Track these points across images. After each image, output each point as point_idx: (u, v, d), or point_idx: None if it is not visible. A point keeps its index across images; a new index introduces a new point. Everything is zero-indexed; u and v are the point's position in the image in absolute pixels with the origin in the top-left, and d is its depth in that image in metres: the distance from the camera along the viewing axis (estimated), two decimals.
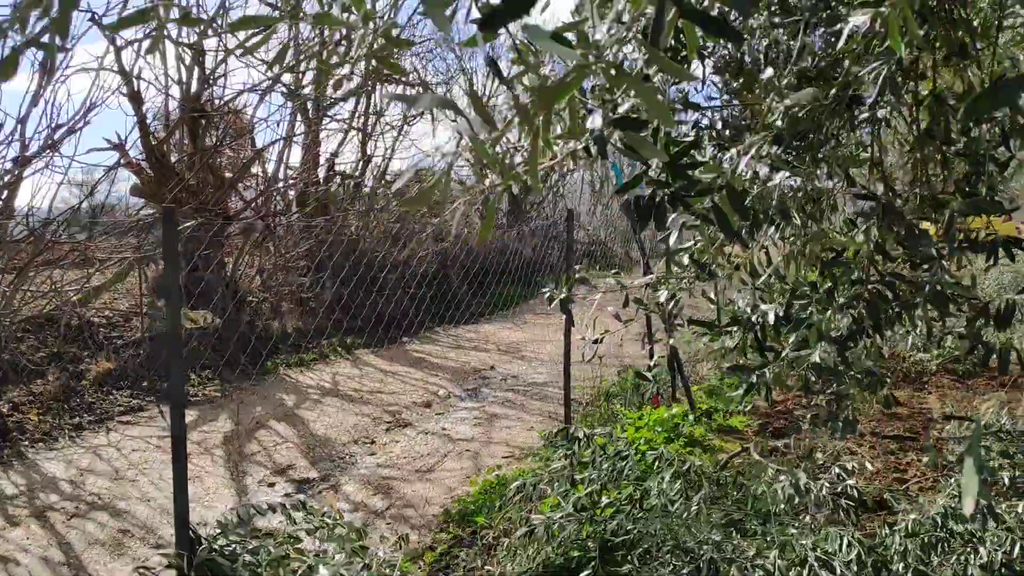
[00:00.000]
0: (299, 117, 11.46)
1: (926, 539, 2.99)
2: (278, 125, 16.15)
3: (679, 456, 4.13)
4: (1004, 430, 3.92)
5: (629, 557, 3.62)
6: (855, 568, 2.80)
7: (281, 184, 11.63)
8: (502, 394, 8.50)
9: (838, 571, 2.78)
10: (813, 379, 1.96)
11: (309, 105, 11.40)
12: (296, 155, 11.76)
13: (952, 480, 4.12)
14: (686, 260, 2.16)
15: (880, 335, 1.99)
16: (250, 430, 7.04)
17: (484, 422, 7.37)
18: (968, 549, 2.91)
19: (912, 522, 3.13)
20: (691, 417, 5.62)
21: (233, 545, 2.24)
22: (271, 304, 10.07)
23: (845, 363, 1.91)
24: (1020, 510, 3.20)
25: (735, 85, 1.95)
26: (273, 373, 9.15)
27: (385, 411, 7.80)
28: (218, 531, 2.44)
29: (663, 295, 2.11)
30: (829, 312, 1.94)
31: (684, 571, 3.52)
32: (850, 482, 3.67)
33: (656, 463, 4.08)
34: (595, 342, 2.90)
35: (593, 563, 3.57)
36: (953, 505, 3.09)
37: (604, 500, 3.78)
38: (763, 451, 4.87)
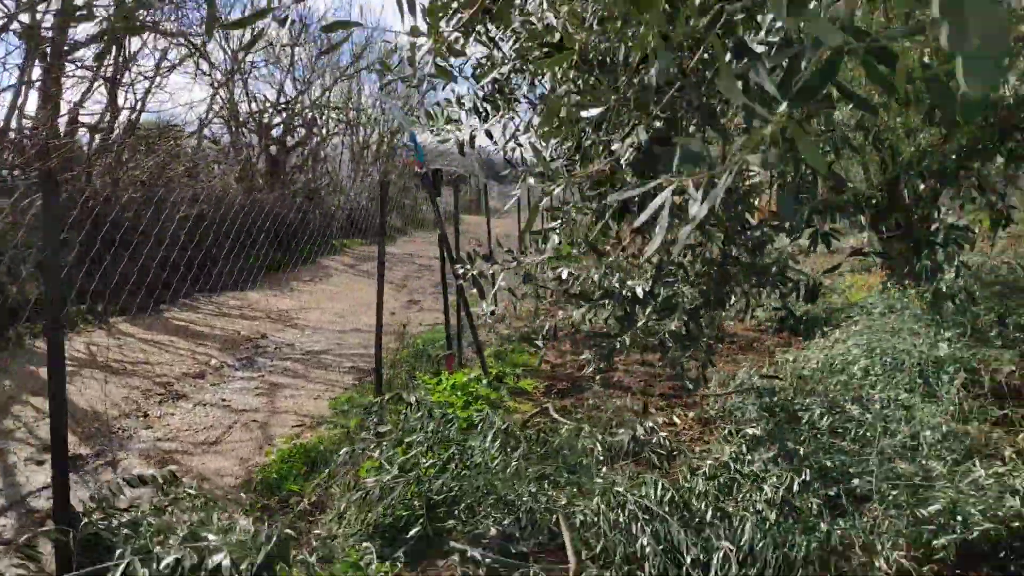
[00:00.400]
0: (37, 61, 10.28)
1: (722, 480, 3.52)
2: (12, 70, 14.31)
3: (501, 417, 4.43)
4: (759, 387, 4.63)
5: (455, 512, 3.85)
6: (666, 508, 3.25)
7: (13, 135, 10.39)
8: (280, 363, 8.34)
9: (654, 511, 3.20)
10: (670, 344, 2.29)
11: (49, 50, 10.27)
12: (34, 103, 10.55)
13: (721, 431, 4.79)
14: (555, 238, 2.39)
15: (721, 307, 2.36)
16: (2, 406, 6.37)
17: (266, 392, 7.23)
18: (754, 487, 3.48)
19: (709, 467, 3.67)
20: (484, 381, 5.95)
21: (110, 519, 2.13)
22: (7, 268, 9.03)
23: (699, 329, 2.26)
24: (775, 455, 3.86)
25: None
26: (17, 344, 8.27)
27: (155, 383, 7.37)
28: (94, 506, 2.30)
29: (536, 269, 2.33)
30: (685, 288, 2.26)
31: (505, 522, 3.82)
32: (662, 434, 4.18)
33: (481, 424, 4.34)
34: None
35: (421, 520, 3.75)
36: (737, 451, 3.66)
37: (427, 462, 3.97)
38: (557, 410, 5.32)
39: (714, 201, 1.03)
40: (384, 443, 4.12)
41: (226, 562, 1.67)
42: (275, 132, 17.36)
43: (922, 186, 6.20)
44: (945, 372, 5.97)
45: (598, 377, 6.10)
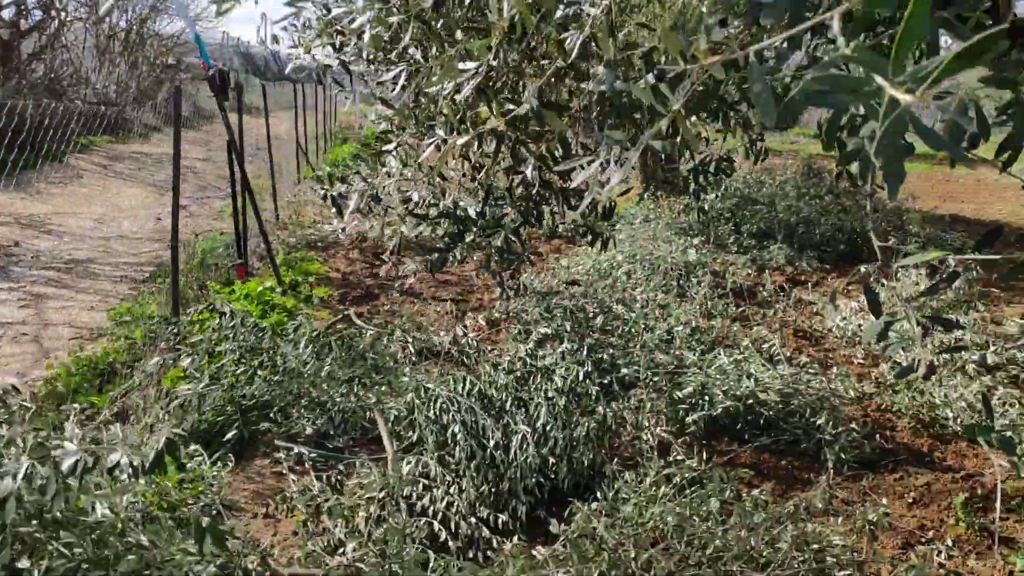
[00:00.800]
0: None
1: (519, 374, 3.98)
2: None
3: (307, 323, 4.58)
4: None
5: (269, 416, 4.02)
6: (472, 399, 3.65)
7: None
8: (40, 272, 7.77)
9: (462, 403, 3.59)
10: (496, 259, 2.62)
11: None
12: None
13: (509, 332, 5.27)
14: (392, 161, 2.61)
15: (539, 224, 2.72)
16: None
17: (31, 303, 6.77)
18: (545, 378, 3.97)
19: (507, 363, 4.11)
20: (279, 290, 6.01)
21: None
22: None
23: (520, 244, 2.61)
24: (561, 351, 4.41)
25: None
26: None
27: None
28: None
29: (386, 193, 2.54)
30: (510, 209, 2.59)
31: (319, 421, 4.07)
32: (471, 335, 4.55)
33: (293, 331, 4.47)
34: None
35: (237, 424, 3.89)
36: (531, 349, 4.13)
37: (239, 369, 4.08)
38: (357, 316, 5.55)
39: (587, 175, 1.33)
40: (195, 352, 4.15)
41: (124, 460, 1.78)
42: (6, 14, 15.31)
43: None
44: (694, 275, 6.88)
45: (397, 284, 6.38)
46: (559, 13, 2.09)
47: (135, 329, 5.69)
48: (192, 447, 3.39)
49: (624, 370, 4.69)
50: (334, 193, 2.47)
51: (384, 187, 2.43)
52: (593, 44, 2.09)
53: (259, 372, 4.13)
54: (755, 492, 3.25)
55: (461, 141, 1.93)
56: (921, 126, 0.68)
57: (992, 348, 5.57)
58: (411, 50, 2.11)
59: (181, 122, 4.94)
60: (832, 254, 8.73)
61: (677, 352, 5.07)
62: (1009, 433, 4.36)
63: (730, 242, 8.79)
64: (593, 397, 4.21)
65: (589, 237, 2.94)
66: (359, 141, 19.98)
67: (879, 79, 0.65)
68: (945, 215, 11.66)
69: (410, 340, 4.86)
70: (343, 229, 2.78)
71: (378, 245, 8.35)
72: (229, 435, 3.84)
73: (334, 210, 2.52)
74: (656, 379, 4.65)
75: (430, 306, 6.30)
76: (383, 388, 4.21)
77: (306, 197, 10.52)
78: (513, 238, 2.60)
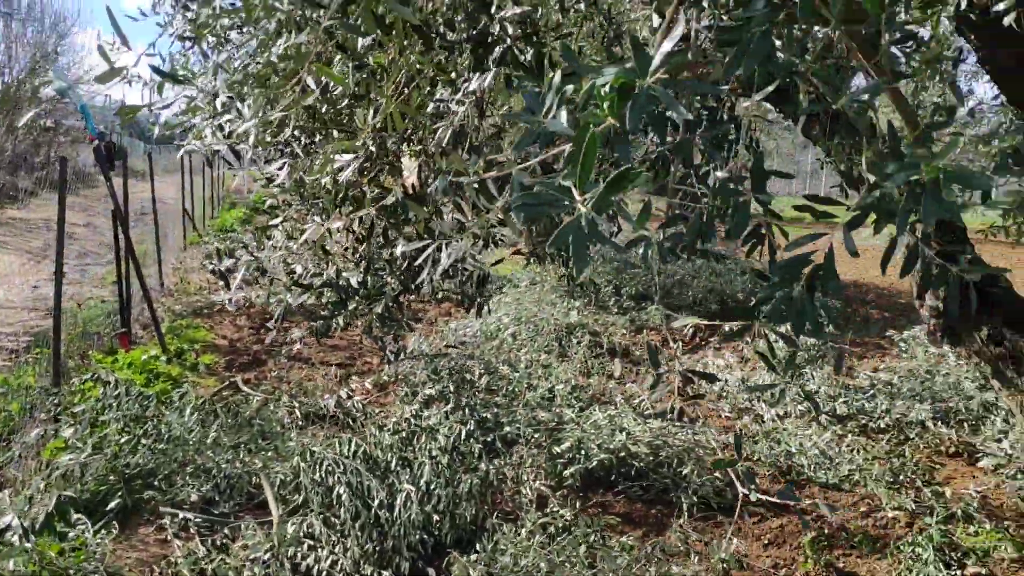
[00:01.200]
0: None
1: (404, 434, 4.14)
2: None
3: (192, 391, 4.60)
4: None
5: (153, 484, 4.03)
6: (358, 461, 3.79)
7: None
8: None
9: (347, 465, 3.72)
10: (378, 324, 2.82)
11: None
12: None
13: (397, 394, 5.43)
14: (278, 235, 2.80)
15: (417, 292, 2.95)
16: None
17: None
18: (430, 438, 4.15)
19: (393, 424, 4.26)
20: (164, 358, 5.98)
21: None
22: None
23: (400, 311, 2.82)
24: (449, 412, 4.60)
25: None
26: None
27: None
28: None
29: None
30: (390, 279, 2.82)
31: (205, 488, 4.10)
32: (357, 398, 4.66)
33: (178, 400, 4.49)
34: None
35: (120, 493, 3.89)
36: (416, 410, 4.31)
37: (123, 438, 4.09)
38: (243, 382, 5.58)
39: (458, 253, 1.59)
40: (78, 422, 4.13)
41: (15, 522, 1.84)
42: None
43: None
44: (575, 336, 7.23)
45: (284, 350, 6.45)
46: (431, 107, 2.36)
47: (11, 401, 5.54)
48: (75, 516, 3.38)
49: (507, 428, 4.92)
50: (221, 268, 2.64)
51: (270, 259, 2.61)
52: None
53: (143, 441, 4.14)
54: (623, 538, 3.50)
55: (336, 225, 2.15)
56: (595, 230, 0.95)
57: (843, 400, 6.10)
58: (294, 144, 2.33)
59: (50, 185, 4.95)
60: (704, 313, 9.27)
61: (557, 409, 5.34)
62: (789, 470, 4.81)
63: (611, 304, 9.23)
64: (476, 455, 4.41)
65: (467, 303, 3.19)
66: (248, 206, 19.84)
67: (570, 196, 0.93)
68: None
69: (297, 405, 4.95)
70: (230, 300, 2.92)
71: (265, 311, 8.35)
72: (112, 504, 3.83)
73: (221, 282, 2.68)
74: (537, 435, 4.89)
75: (318, 371, 6.39)
76: (269, 453, 4.28)
77: (192, 264, 10.42)
78: (393, 305, 2.82)
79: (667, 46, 0.93)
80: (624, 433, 4.78)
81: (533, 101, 1.06)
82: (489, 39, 1.75)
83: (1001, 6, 2.44)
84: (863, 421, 5.84)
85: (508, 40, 1.77)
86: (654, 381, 1.99)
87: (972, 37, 2.97)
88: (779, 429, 5.53)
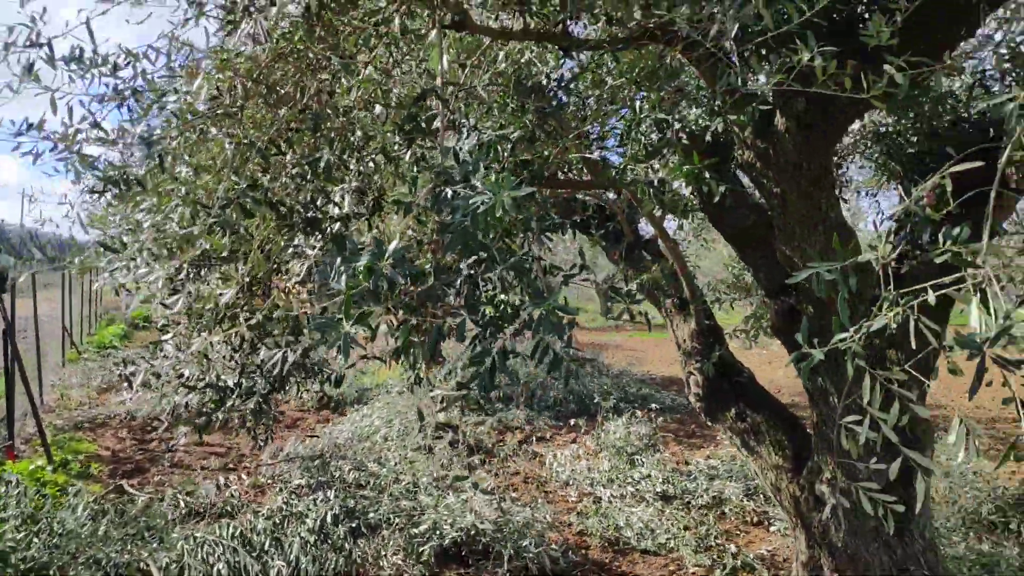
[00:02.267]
0: None
1: (277, 520, 4.77)
2: None
3: (84, 494, 5.09)
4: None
5: (48, 575, 4.49)
6: (236, 543, 4.40)
7: None
8: None
9: (226, 546, 4.33)
10: (251, 419, 3.55)
11: None
12: None
13: (272, 490, 6.02)
14: (168, 347, 3.53)
15: (283, 391, 3.71)
16: None
17: None
18: (300, 522, 4.79)
19: (267, 511, 4.88)
20: (50, 468, 6.36)
21: None
22: None
23: (269, 408, 3.57)
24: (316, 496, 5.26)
25: None
26: None
27: None
28: None
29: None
30: (260, 379, 3.57)
31: None
32: (233, 488, 5.24)
33: (76, 496, 4.96)
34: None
35: None
36: (287, 498, 4.95)
37: (18, 535, 4.55)
38: (130, 486, 6.04)
39: (297, 356, 2.42)
40: None
41: None
42: None
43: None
44: (440, 434, 7.98)
45: (167, 455, 6.92)
46: (290, 249, 3.20)
47: None
48: None
49: (371, 515, 5.59)
50: (126, 372, 3.33)
51: (163, 366, 3.32)
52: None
53: (38, 537, 4.60)
54: None
55: (216, 339, 2.92)
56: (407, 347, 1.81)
57: (670, 482, 7.05)
58: (187, 282, 3.10)
59: None
60: (565, 413, 10.21)
61: (419, 498, 6.05)
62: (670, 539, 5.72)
63: (482, 403, 10.05)
64: (342, 536, 5.07)
65: (330, 403, 3.96)
66: (127, 322, 19.86)
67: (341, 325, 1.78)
68: (657, 376, 13.75)
69: (181, 500, 5.48)
70: (131, 398, 3.56)
71: (146, 424, 8.77)
72: None
73: (126, 384, 3.36)
74: (399, 520, 5.58)
75: (199, 474, 6.88)
76: (154, 544, 4.81)
77: (73, 380, 10.67)
78: (263, 402, 3.57)
79: (395, 245, 1.80)
80: (473, 513, 5.54)
81: (327, 271, 1.91)
82: (322, 219, 2.63)
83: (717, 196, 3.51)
84: (687, 499, 6.78)
85: (335, 219, 2.65)
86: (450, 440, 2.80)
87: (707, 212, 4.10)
88: (613, 507, 6.40)
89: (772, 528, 6.15)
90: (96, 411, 9.07)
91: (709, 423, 4.62)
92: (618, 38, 2.92)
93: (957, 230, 1.62)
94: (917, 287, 1.71)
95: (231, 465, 7.36)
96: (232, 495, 5.51)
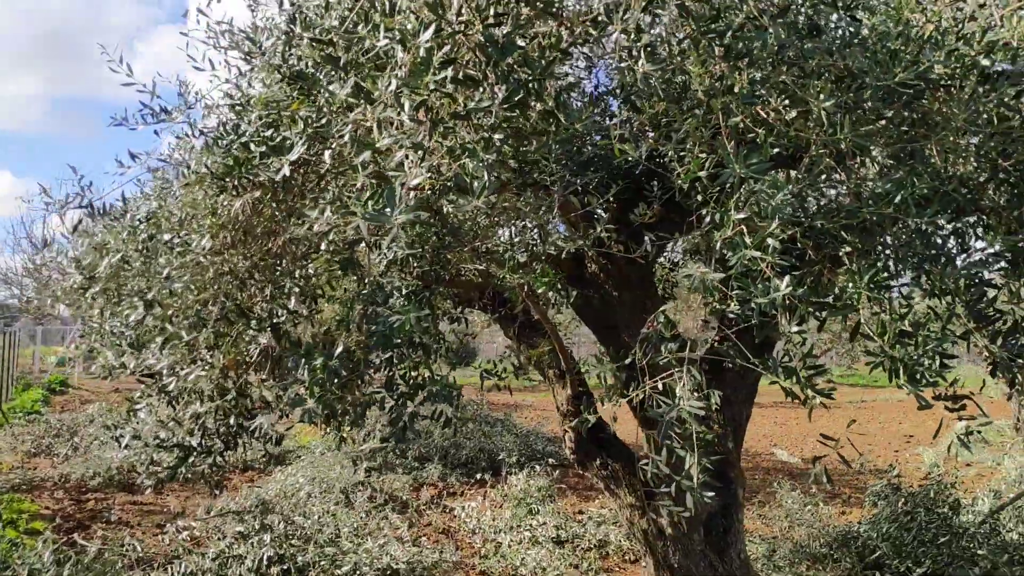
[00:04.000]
0: None
1: (220, 561, 5.58)
2: None
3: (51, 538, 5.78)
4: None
5: None
6: None
7: None
8: None
9: None
10: (207, 472, 4.44)
11: None
12: None
13: (212, 540, 6.78)
14: (143, 414, 4.42)
15: (235, 449, 4.62)
16: None
17: None
18: (242, 562, 5.61)
19: (212, 553, 5.69)
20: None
21: None
22: None
23: (225, 463, 4.47)
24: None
25: None
26: None
27: None
28: None
29: None
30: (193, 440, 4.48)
31: None
32: (181, 535, 6.01)
33: (43, 544, 5.66)
34: None
35: None
36: (228, 543, 5.77)
37: None
38: (82, 538, 6.71)
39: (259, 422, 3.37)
40: None
41: None
42: None
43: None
44: (359, 490, 8.85)
45: (109, 513, 7.58)
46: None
47: None
48: None
49: (300, 559, 6.42)
50: (117, 436, 4.18)
51: (141, 430, 4.20)
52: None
53: None
54: None
55: (194, 409, 3.84)
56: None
57: (563, 528, 8.07)
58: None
59: None
60: (476, 469, 11.14)
61: (341, 544, 6.91)
62: None
63: (397, 464, 10.92)
64: None
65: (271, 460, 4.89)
66: (43, 387, 19.96)
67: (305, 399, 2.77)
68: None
69: (132, 548, 6.20)
70: (118, 455, 4.36)
71: (82, 484, 9.34)
72: None
73: (115, 442, 4.21)
74: (323, 563, 6.43)
75: (139, 528, 7.56)
76: None
77: (2, 444, 11.08)
78: (220, 458, 4.46)
79: (339, 349, 2.81)
80: (388, 556, 6.44)
81: (291, 364, 2.89)
82: (278, 321, 3.61)
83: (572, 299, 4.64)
84: (576, 542, 7.81)
85: (283, 317, 3.64)
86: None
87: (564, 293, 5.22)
88: (512, 550, 7.38)
89: (643, 564, 7.22)
90: (31, 474, 9.58)
91: (582, 472, 5.69)
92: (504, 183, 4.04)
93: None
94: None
95: (168, 522, 8.04)
96: (180, 543, 6.26)
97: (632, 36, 2.28)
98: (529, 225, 4.38)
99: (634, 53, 2.31)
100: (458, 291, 5.79)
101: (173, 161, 3.46)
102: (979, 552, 5.93)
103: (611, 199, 3.33)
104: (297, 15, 3.14)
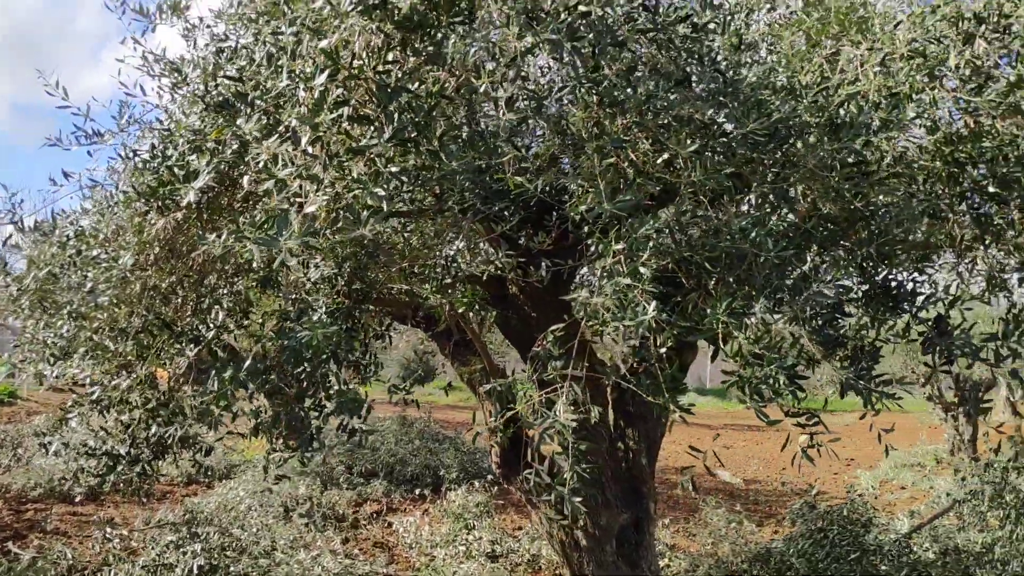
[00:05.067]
0: None
1: (151, 569, 5.69)
2: None
3: None
4: None
5: None
6: None
7: None
8: None
9: None
10: (136, 480, 4.58)
11: None
12: None
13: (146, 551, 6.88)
14: (74, 423, 4.55)
15: (164, 459, 4.76)
16: None
17: None
18: (171, 570, 5.72)
19: (142, 561, 5.79)
20: None
21: None
22: None
23: (153, 472, 4.61)
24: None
25: None
26: None
27: None
28: None
29: None
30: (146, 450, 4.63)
31: None
32: (112, 543, 6.09)
33: None
34: None
35: None
36: (159, 552, 5.88)
37: None
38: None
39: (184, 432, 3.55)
40: None
41: None
42: None
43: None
44: (300, 504, 8.96)
45: (46, 523, 7.61)
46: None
47: None
48: None
49: (233, 569, 6.54)
50: (46, 443, 4.30)
51: (70, 439, 4.33)
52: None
53: None
54: None
55: (120, 417, 3.99)
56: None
57: (499, 543, 8.26)
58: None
59: None
60: (420, 485, 11.28)
61: (275, 555, 7.03)
62: None
63: (341, 480, 11.03)
64: None
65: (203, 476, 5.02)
66: None
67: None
68: None
69: (65, 556, 6.27)
70: (45, 463, 4.48)
71: (22, 495, 9.33)
72: None
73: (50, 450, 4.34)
74: (255, 573, 6.55)
75: (76, 537, 7.60)
76: None
77: None
78: (148, 467, 4.61)
79: (248, 363, 3.01)
80: (321, 568, 6.58)
81: (205, 375, 3.09)
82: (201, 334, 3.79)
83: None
84: (510, 557, 8.00)
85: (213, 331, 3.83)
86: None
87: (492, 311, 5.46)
88: (445, 564, 7.55)
89: (561, 574, 7.44)
90: None
91: (506, 485, 5.90)
92: (423, 210, 4.27)
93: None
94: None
95: (105, 532, 8.09)
96: (111, 551, 6.34)
97: (517, 83, 2.54)
98: (451, 249, 4.62)
99: (515, 98, 2.56)
100: (390, 309, 6.00)
101: (103, 181, 3.64)
102: (882, 568, 6.24)
103: (516, 227, 3.59)
104: (221, 50, 3.37)
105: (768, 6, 3.58)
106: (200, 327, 3.74)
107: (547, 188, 3.22)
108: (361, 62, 2.39)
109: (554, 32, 2.11)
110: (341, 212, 2.45)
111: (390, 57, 2.42)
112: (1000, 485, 7.40)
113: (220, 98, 3.14)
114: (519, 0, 2.18)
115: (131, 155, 3.61)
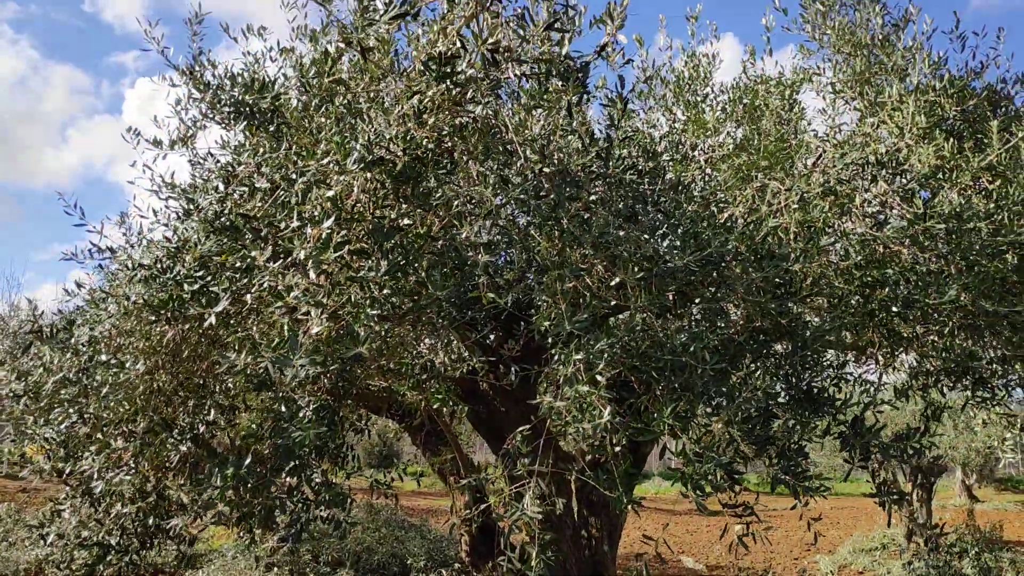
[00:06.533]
0: None
1: None
2: None
3: None
4: None
5: None
6: None
7: None
8: None
9: None
10: (125, 569, 4.80)
11: None
12: None
13: None
14: (66, 514, 4.79)
15: (151, 549, 5.00)
16: None
17: None
18: None
19: None
20: None
21: None
22: None
23: (141, 562, 4.84)
24: None
25: None
26: None
27: None
28: None
29: None
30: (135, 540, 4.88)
31: None
32: None
33: None
34: None
35: None
36: None
37: None
38: None
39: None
40: None
41: None
42: None
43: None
44: None
45: None
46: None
47: None
48: None
49: None
50: (44, 533, 4.53)
51: (63, 529, 4.56)
52: None
53: None
54: None
55: (117, 510, 4.27)
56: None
57: None
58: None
59: None
60: (388, 574, 11.36)
61: None
62: None
63: (308, 570, 11.07)
64: None
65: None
66: None
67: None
68: None
69: None
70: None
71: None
72: None
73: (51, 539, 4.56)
74: None
75: None
76: None
77: None
78: (136, 556, 4.84)
79: (247, 461, 3.36)
80: None
81: (205, 471, 3.42)
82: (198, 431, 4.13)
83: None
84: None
85: (202, 429, 4.16)
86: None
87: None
88: None
89: None
90: None
91: (475, 574, 6.18)
92: (400, 314, 4.69)
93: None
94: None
95: None
96: None
97: (487, 224, 3.02)
98: (426, 350, 5.03)
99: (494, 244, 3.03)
100: (367, 403, 6.35)
101: (113, 293, 4.02)
102: None
103: (488, 334, 4.03)
104: (230, 177, 3.83)
105: (705, 147, 4.14)
106: (195, 424, 4.08)
107: (516, 300, 3.68)
108: (361, 207, 2.85)
109: (523, 193, 2.59)
110: (340, 332, 2.87)
111: (385, 202, 2.88)
112: (944, 569, 7.80)
113: (228, 223, 3.58)
114: (493, 163, 2.66)
115: (140, 266, 4.01)
